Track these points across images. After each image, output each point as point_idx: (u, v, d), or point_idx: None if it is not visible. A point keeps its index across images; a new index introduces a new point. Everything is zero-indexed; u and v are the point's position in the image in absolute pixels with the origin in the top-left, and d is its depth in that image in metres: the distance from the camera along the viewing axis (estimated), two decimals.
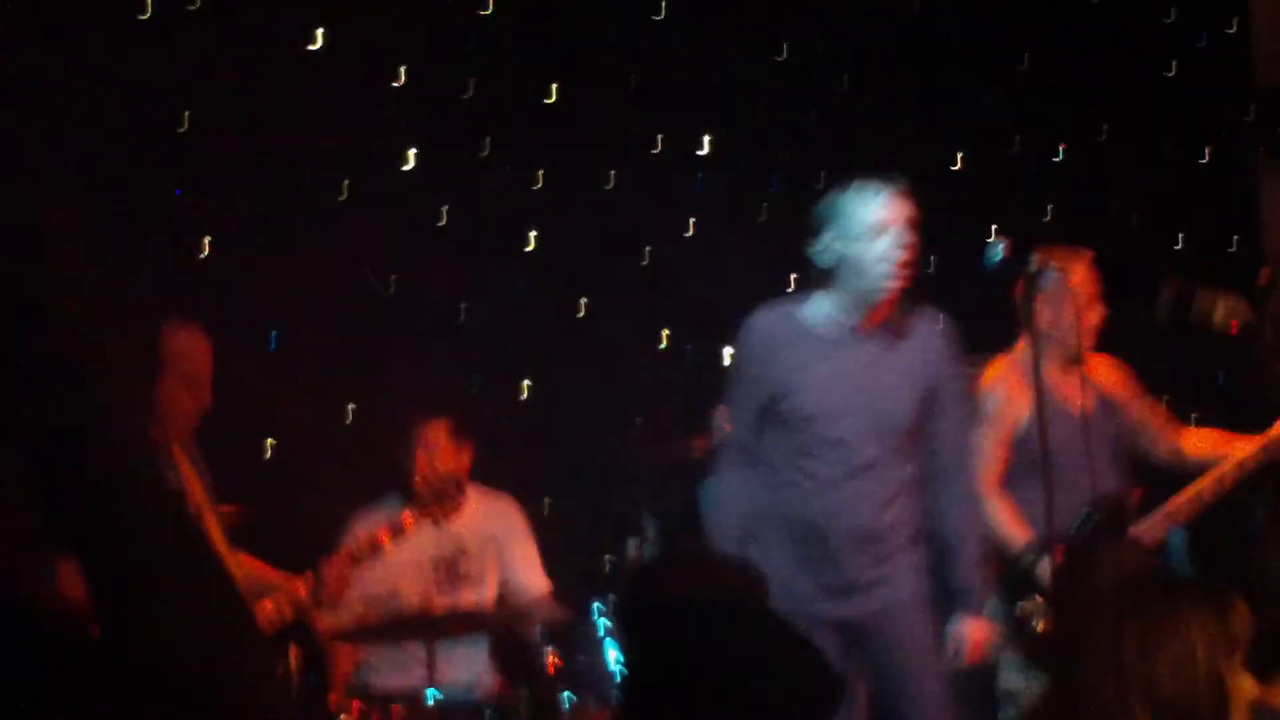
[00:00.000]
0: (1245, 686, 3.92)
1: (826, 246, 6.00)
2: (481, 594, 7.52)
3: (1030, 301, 6.32)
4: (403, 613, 7.21)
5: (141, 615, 1.84)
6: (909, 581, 6.10)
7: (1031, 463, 6.37)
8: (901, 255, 5.95)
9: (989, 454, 6.85)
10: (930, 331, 6.12)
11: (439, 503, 6.80)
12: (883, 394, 6.04)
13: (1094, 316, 6.96)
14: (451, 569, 7.46)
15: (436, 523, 7.10)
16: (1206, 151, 9.78)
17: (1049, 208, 9.41)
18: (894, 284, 5.96)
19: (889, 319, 6.06)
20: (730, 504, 6.18)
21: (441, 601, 7.32)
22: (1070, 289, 6.80)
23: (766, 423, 6.10)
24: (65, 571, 2.23)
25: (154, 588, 1.82)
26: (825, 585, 6.02)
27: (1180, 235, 9.63)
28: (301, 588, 6.47)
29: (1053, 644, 4.22)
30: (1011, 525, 6.78)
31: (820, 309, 6.08)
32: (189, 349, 6.19)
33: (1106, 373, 7.06)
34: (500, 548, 7.59)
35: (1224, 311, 6.93)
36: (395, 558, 7.29)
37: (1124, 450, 7.04)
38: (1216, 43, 9.83)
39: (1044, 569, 6.55)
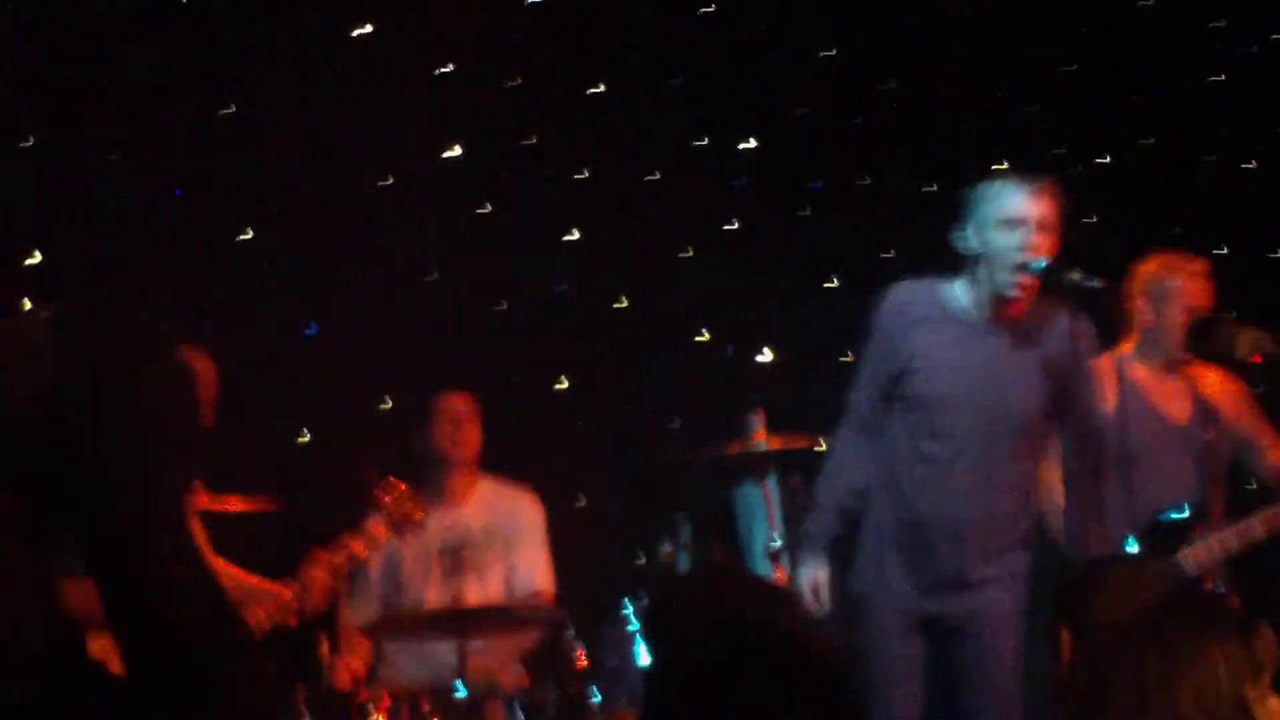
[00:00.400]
0: (1273, 709, 3.89)
1: (967, 234, 6.01)
2: (485, 586, 7.47)
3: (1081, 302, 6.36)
4: (428, 607, 7.24)
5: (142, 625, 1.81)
6: (1012, 585, 6.01)
7: (1116, 463, 6.52)
8: (1026, 254, 5.93)
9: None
10: (1064, 331, 6.09)
11: (403, 521, 6.80)
12: (1007, 388, 6.01)
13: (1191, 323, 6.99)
14: (455, 558, 7.42)
15: (444, 511, 7.20)
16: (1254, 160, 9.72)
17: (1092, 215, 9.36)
18: (1020, 279, 5.94)
19: (1024, 314, 6.04)
20: (840, 475, 6.14)
21: (439, 596, 7.32)
22: (1179, 295, 6.85)
23: (891, 398, 6.08)
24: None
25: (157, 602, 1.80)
26: (924, 577, 5.99)
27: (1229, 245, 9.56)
28: (287, 593, 6.48)
29: (1075, 671, 4.16)
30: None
31: (958, 294, 6.07)
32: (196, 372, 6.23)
33: (1216, 384, 7.04)
34: (508, 541, 7.57)
35: (1248, 345, 6.90)
36: (402, 547, 7.36)
37: (1219, 462, 7.01)
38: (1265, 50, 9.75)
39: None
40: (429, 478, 7.48)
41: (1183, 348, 6.87)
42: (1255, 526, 6.64)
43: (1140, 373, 6.73)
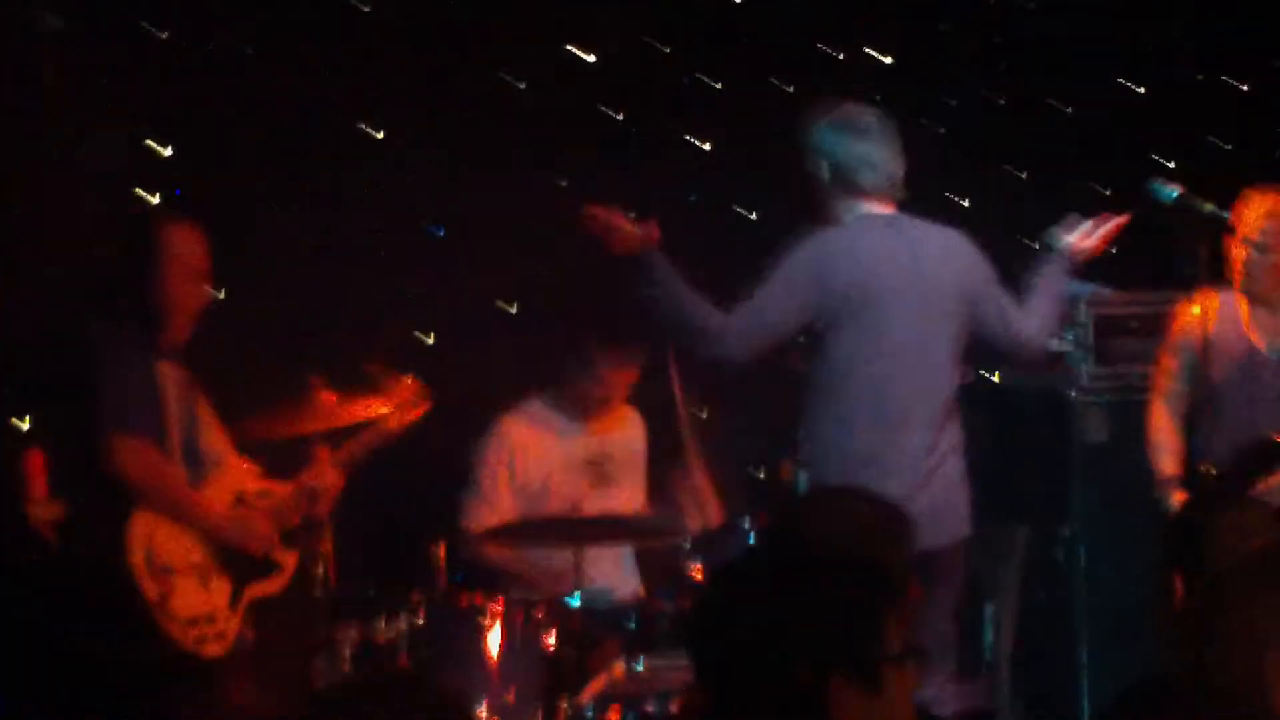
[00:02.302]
0: None
1: None
2: (626, 501, 7.58)
3: (1196, 242, 6.32)
4: (551, 515, 7.28)
5: None
6: None
7: (1206, 395, 6.68)
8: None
9: (1158, 369, 7.03)
10: None
11: (408, 416, 6.86)
12: None
13: None
14: (600, 472, 7.54)
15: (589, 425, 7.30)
16: None
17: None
18: None
19: None
20: None
21: (591, 504, 7.39)
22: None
23: None
24: None
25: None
26: None
27: None
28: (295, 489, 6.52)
29: (1183, 617, 4.10)
30: (1162, 452, 6.89)
31: None
32: (188, 244, 6.27)
33: None
34: (635, 459, 7.69)
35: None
36: (548, 455, 7.45)
37: None
38: None
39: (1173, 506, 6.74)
40: (577, 393, 7.52)
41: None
42: None
43: (1241, 307, 6.66)
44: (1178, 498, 6.80)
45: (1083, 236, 6.35)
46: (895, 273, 6.05)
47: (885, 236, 6.10)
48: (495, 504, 7.46)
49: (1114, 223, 6.37)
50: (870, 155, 6.11)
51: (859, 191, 6.13)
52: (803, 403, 6.13)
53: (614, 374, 7.51)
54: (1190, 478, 6.84)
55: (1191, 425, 6.97)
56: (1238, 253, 6.88)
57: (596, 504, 7.44)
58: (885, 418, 5.98)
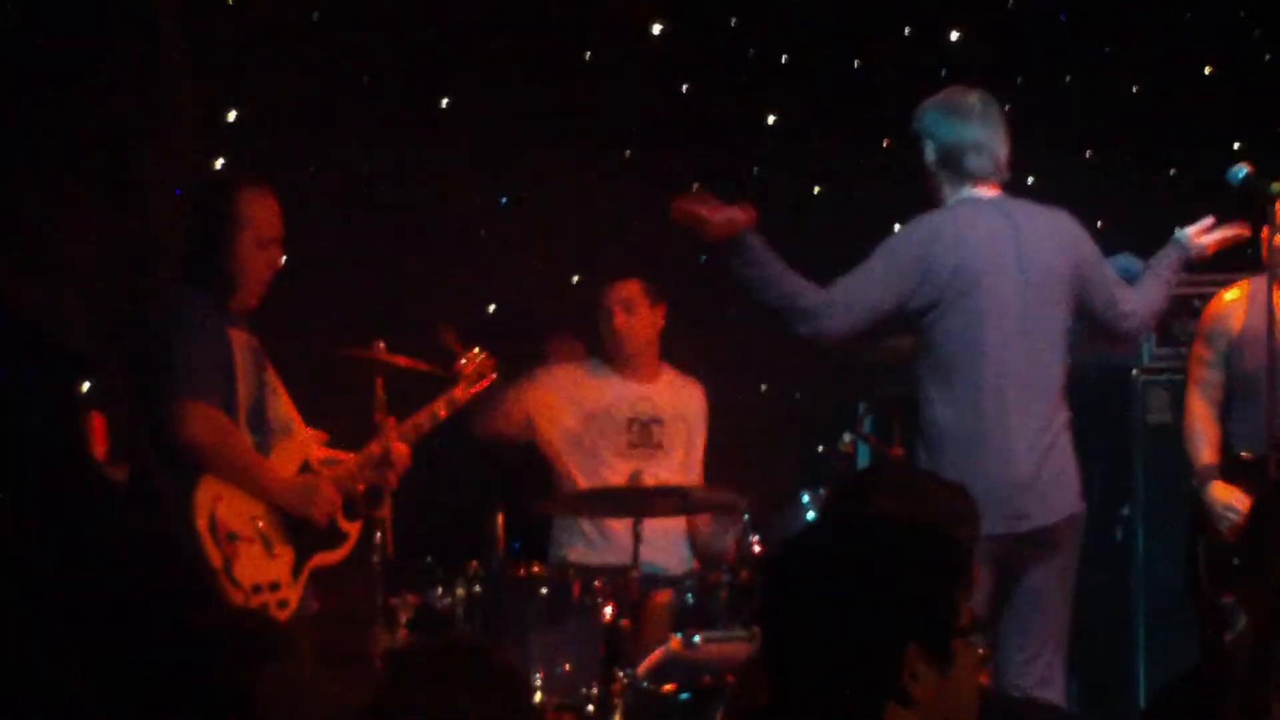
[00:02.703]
0: None
1: None
2: (669, 463, 7.57)
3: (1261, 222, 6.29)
4: (613, 476, 7.35)
5: None
6: None
7: (1240, 383, 6.73)
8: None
9: (1192, 357, 7.02)
10: None
11: (480, 384, 6.90)
12: None
13: None
14: (645, 432, 7.55)
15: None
16: None
17: None
18: None
19: None
20: None
21: (630, 461, 7.43)
22: None
23: None
24: None
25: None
26: None
27: None
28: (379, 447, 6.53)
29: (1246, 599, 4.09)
30: (1199, 440, 6.89)
31: None
32: (262, 210, 6.29)
33: None
34: (690, 428, 7.66)
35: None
36: (593, 404, 7.53)
37: None
38: None
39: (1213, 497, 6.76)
40: (613, 355, 7.55)
41: None
42: None
43: (1276, 295, 6.59)
44: (1216, 487, 6.80)
45: (1200, 231, 6.39)
46: (1001, 255, 6.06)
47: (991, 219, 6.10)
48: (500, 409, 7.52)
49: (1235, 229, 6.40)
50: (976, 138, 6.13)
51: (965, 175, 6.15)
52: (917, 388, 6.15)
53: (612, 290, 7.52)
54: (1226, 465, 6.84)
55: (1225, 413, 6.95)
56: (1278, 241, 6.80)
57: (631, 465, 7.40)
58: (998, 400, 5.99)
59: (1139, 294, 6.34)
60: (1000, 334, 6.02)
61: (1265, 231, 6.46)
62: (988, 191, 6.16)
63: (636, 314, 7.53)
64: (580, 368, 7.67)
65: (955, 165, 6.15)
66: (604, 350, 7.62)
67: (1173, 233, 6.45)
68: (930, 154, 6.19)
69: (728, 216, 5.98)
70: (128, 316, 6.79)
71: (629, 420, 7.58)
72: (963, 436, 6.00)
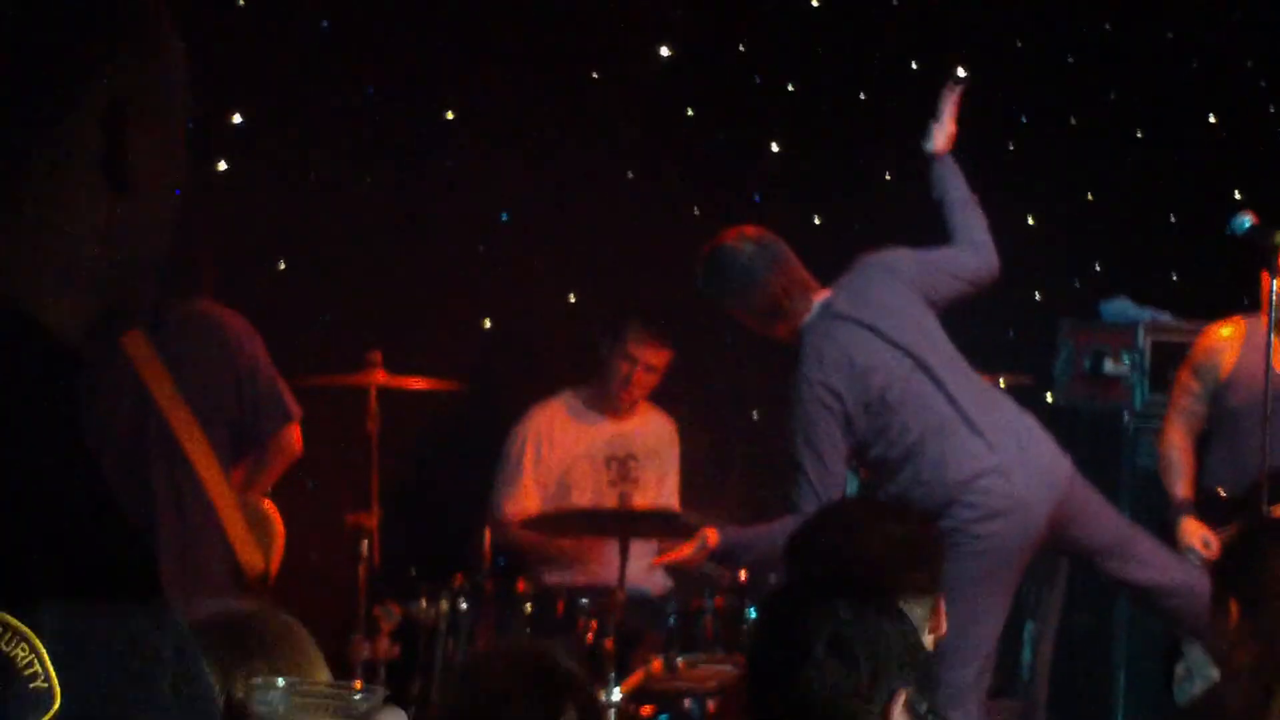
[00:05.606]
0: None
1: None
2: (647, 497, 7.60)
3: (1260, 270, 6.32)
4: (588, 508, 7.32)
5: None
6: None
7: (1224, 419, 6.79)
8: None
9: (1178, 386, 7.04)
10: None
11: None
12: None
13: None
14: (623, 469, 7.56)
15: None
16: None
17: None
18: None
19: None
20: None
21: (610, 502, 7.41)
22: None
23: None
24: None
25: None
26: None
27: None
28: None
29: (1243, 643, 4.09)
30: (1174, 472, 6.94)
31: None
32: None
33: None
34: (663, 463, 7.69)
35: None
36: (572, 446, 7.52)
37: None
38: None
39: (1184, 531, 6.81)
40: (603, 395, 7.55)
41: None
42: None
43: (1271, 337, 6.61)
44: (1188, 523, 6.82)
45: (938, 130, 6.42)
46: (876, 349, 6.10)
47: (844, 329, 6.14)
48: (522, 490, 7.48)
49: (952, 95, 6.43)
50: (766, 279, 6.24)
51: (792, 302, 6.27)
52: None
53: (641, 350, 7.49)
54: (1202, 501, 6.86)
55: (1204, 447, 6.98)
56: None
57: (609, 502, 7.41)
58: (956, 447, 6.02)
59: (962, 232, 6.37)
60: (922, 387, 6.09)
61: (1264, 276, 6.47)
62: (818, 297, 6.23)
63: (651, 376, 7.55)
64: (562, 407, 7.64)
65: (775, 305, 6.26)
66: (596, 381, 7.59)
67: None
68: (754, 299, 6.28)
69: (695, 548, 6.22)
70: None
71: (607, 459, 7.62)
72: (947, 488, 6.03)
